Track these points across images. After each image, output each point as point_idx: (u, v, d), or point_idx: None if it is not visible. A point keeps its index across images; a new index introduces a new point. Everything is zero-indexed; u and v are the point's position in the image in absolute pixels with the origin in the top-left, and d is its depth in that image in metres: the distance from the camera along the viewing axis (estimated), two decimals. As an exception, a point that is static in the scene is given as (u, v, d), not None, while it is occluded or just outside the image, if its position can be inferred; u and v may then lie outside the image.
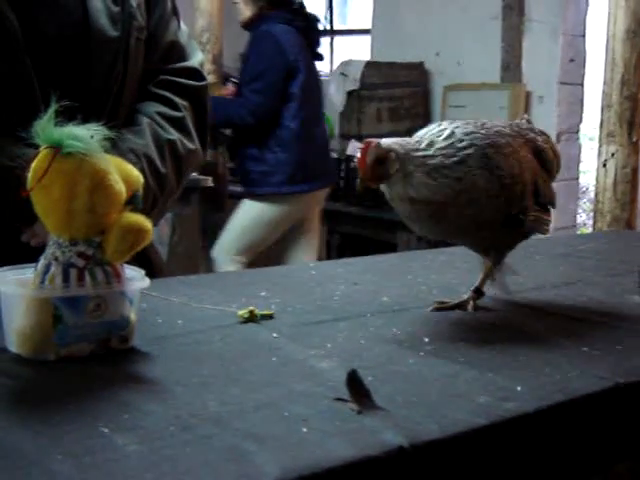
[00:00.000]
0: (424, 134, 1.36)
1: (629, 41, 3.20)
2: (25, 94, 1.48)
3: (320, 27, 4.65)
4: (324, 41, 7.03)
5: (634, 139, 3.27)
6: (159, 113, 1.69)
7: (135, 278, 1.20)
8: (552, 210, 1.51)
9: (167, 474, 0.80)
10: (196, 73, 1.78)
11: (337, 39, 7.06)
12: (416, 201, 1.32)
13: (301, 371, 1.10)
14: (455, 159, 1.33)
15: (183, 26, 1.80)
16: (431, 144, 1.34)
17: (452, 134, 1.35)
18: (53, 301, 1.11)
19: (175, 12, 1.77)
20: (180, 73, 1.75)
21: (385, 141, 1.33)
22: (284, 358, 1.15)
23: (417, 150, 1.33)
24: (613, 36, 3.27)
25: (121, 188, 1.13)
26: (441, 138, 1.35)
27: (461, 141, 1.34)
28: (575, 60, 5.22)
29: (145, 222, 1.15)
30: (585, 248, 2.16)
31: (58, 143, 1.09)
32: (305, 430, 0.90)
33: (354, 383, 0.99)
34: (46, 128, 1.09)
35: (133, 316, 1.18)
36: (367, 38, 6.47)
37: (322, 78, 6.56)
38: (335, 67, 6.06)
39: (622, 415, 1.13)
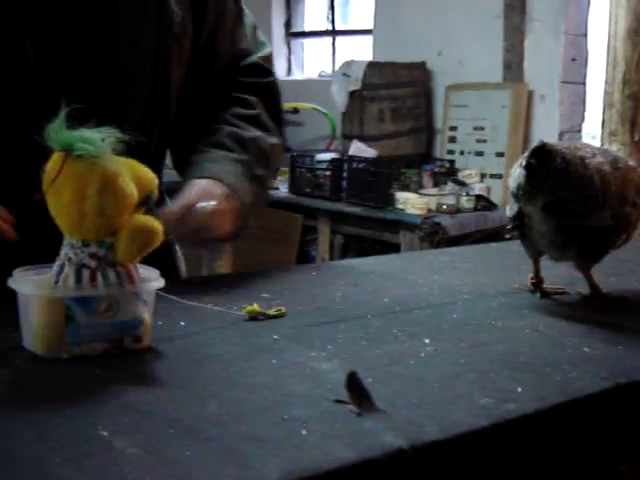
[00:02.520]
0: None
1: (630, 40, 3.20)
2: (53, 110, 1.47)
3: None
4: (326, 41, 7.04)
5: (636, 138, 3.27)
6: (234, 115, 1.69)
7: (150, 278, 1.21)
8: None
9: (166, 477, 0.79)
10: (260, 69, 1.77)
11: (339, 39, 7.06)
12: None
13: (301, 373, 1.10)
14: None
15: (248, 20, 1.77)
16: None
17: None
18: (65, 301, 1.13)
19: (239, 12, 1.75)
20: (244, 72, 1.74)
21: None
22: (284, 360, 1.15)
23: None
24: (614, 35, 3.26)
25: (132, 190, 1.15)
26: None
27: None
28: (577, 59, 5.21)
29: (155, 223, 1.16)
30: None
31: (69, 146, 1.11)
32: (305, 432, 0.90)
33: (354, 385, 0.99)
34: (58, 131, 1.11)
35: (147, 316, 1.19)
36: (369, 38, 6.47)
37: (324, 78, 6.59)
38: (337, 67, 6.05)
39: (624, 415, 1.13)
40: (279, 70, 7.22)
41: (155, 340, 1.21)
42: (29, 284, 1.18)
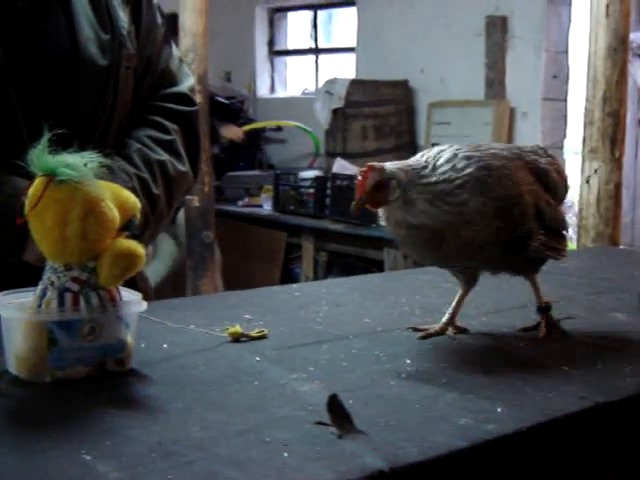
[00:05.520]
0: (427, 158, 1.35)
1: (610, 58, 3.23)
2: (9, 125, 1.47)
3: None
4: (309, 59, 7.06)
5: (617, 155, 3.29)
6: (149, 136, 1.69)
7: (132, 301, 1.22)
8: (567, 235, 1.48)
9: (148, 502, 0.80)
10: (186, 98, 1.78)
11: (322, 57, 7.09)
12: (414, 227, 1.32)
13: (283, 395, 1.11)
14: (457, 183, 1.31)
15: (175, 51, 1.80)
16: (434, 169, 1.32)
17: (454, 157, 1.33)
18: (48, 325, 1.14)
19: (167, 39, 1.77)
20: (170, 99, 1.75)
21: (388, 166, 1.31)
22: (266, 382, 1.16)
23: (421, 177, 1.31)
24: (594, 53, 3.29)
25: (114, 215, 1.16)
26: (442, 160, 1.33)
27: (461, 166, 1.32)
28: (558, 76, 5.26)
29: (137, 248, 1.17)
30: (568, 265, 2.16)
31: (52, 171, 1.12)
32: (286, 455, 0.91)
33: (335, 407, 0.99)
34: (40, 156, 1.12)
35: (130, 339, 1.20)
36: (352, 56, 6.50)
37: (307, 96, 6.61)
38: (320, 85, 6.08)
39: (603, 434, 1.14)
40: (262, 88, 7.24)
41: (138, 363, 1.22)
42: (12, 308, 1.18)
